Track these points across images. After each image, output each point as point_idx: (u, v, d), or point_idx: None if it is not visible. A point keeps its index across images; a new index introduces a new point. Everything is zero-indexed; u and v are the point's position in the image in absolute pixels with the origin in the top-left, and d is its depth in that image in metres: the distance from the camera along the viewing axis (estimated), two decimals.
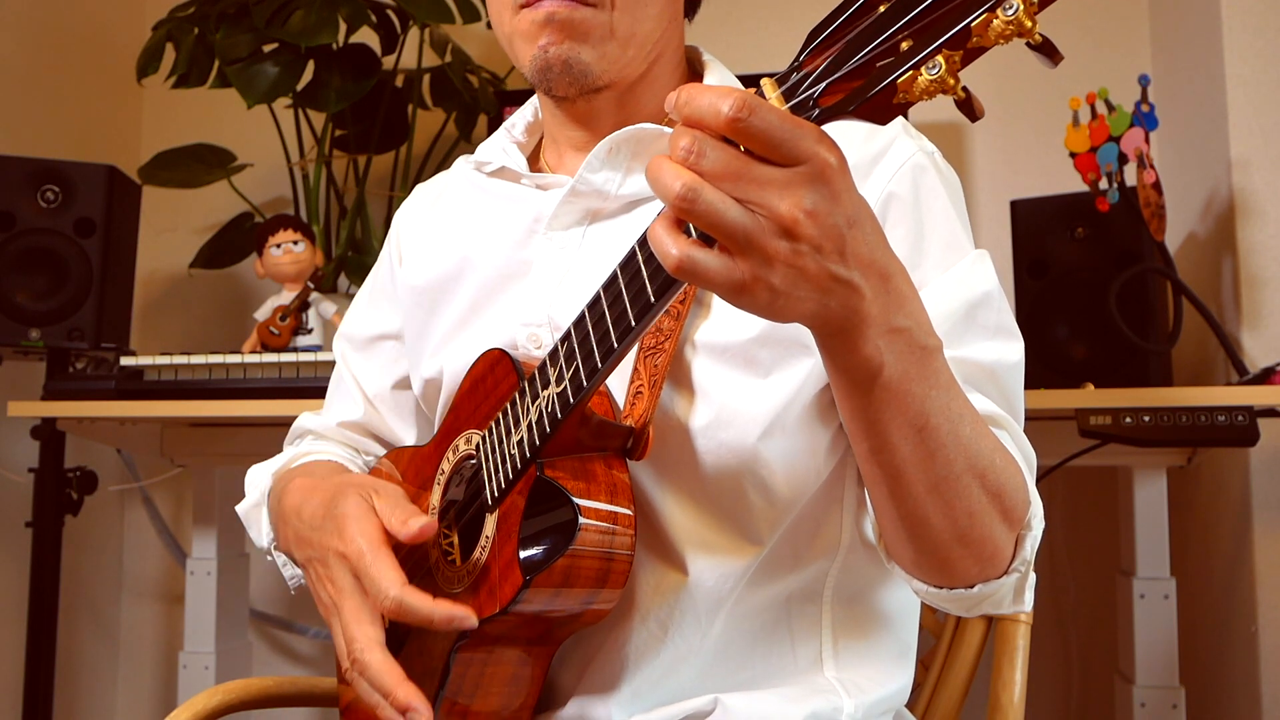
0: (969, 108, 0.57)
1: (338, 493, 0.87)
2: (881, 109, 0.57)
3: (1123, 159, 1.75)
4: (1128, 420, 1.58)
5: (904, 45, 0.55)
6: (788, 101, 0.59)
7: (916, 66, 0.55)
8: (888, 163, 0.88)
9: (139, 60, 2.22)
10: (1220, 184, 1.91)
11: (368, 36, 2.27)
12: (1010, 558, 0.80)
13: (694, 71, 1.03)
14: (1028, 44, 0.54)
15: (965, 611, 0.85)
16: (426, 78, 2.36)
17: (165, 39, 2.22)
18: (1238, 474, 1.83)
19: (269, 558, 1.08)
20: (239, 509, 1.12)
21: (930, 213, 0.88)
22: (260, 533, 1.08)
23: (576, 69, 0.91)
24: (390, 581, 0.78)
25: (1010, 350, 0.87)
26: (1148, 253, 1.78)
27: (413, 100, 2.34)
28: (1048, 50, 0.55)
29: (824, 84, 0.58)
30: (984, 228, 2.24)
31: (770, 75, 0.62)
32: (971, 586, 0.80)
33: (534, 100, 1.07)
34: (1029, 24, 0.52)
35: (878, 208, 0.87)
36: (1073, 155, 1.81)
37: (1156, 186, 1.74)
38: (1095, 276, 1.81)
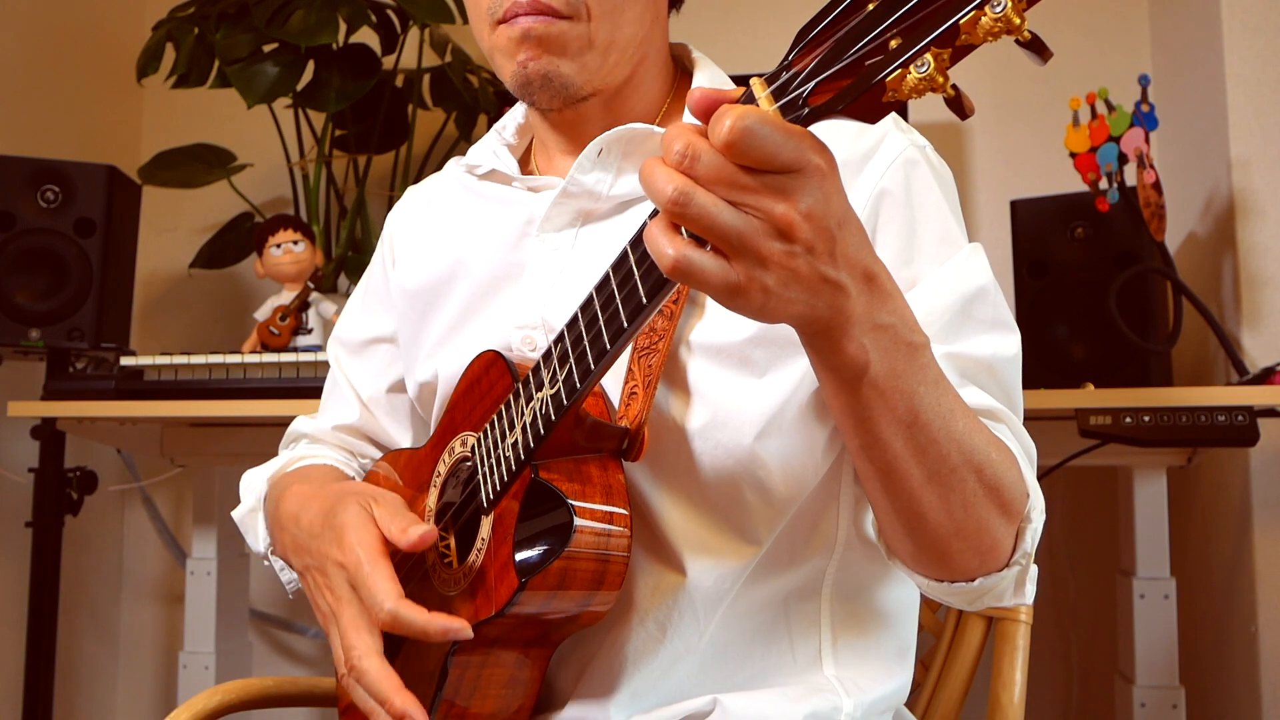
0: (959, 105, 0.56)
1: (337, 502, 0.87)
2: (871, 108, 0.56)
3: (1123, 159, 1.75)
4: (1128, 420, 1.58)
5: (893, 43, 0.55)
6: (777, 101, 0.59)
7: (905, 64, 0.54)
8: (879, 159, 0.88)
9: (139, 60, 2.22)
10: (1220, 184, 1.91)
11: (368, 36, 2.27)
12: (1010, 550, 0.80)
13: (682, 69, 1.02)
14: (1016, 41, 0.54)
15: (967, 605, 0.85)
16: (426, 78, 2.36)
17: (165, 39, 2.22)
18: (1238, 474, 1.82)
19: (266, 563, 1.08)
20: (235, 515, 1.11)
21: (923, 208, 0.88)
22: (257, 538, 1.08)
23: (557, 83, 0.91)
24: (385, 594, 0.78)
25: (1007, 344, 0.87)
26: (1148, 253, 1.78)
27: (413, 100, 2.34)
28: (1037, 47, 0.54)
29: (813, 83, 0.57)
30: (984, 228, 2.24)
31: (761, 75, 0.61)
32: (972, 580, 0.80)
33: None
34: (1017, 21, 0.52)
35: (870, 204, 0.86)
36: (1073, 155, 1.81)
37: (1156, 186, 1.73)
38: (1095, 276, 1.81)
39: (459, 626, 0.77)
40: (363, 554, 0.81)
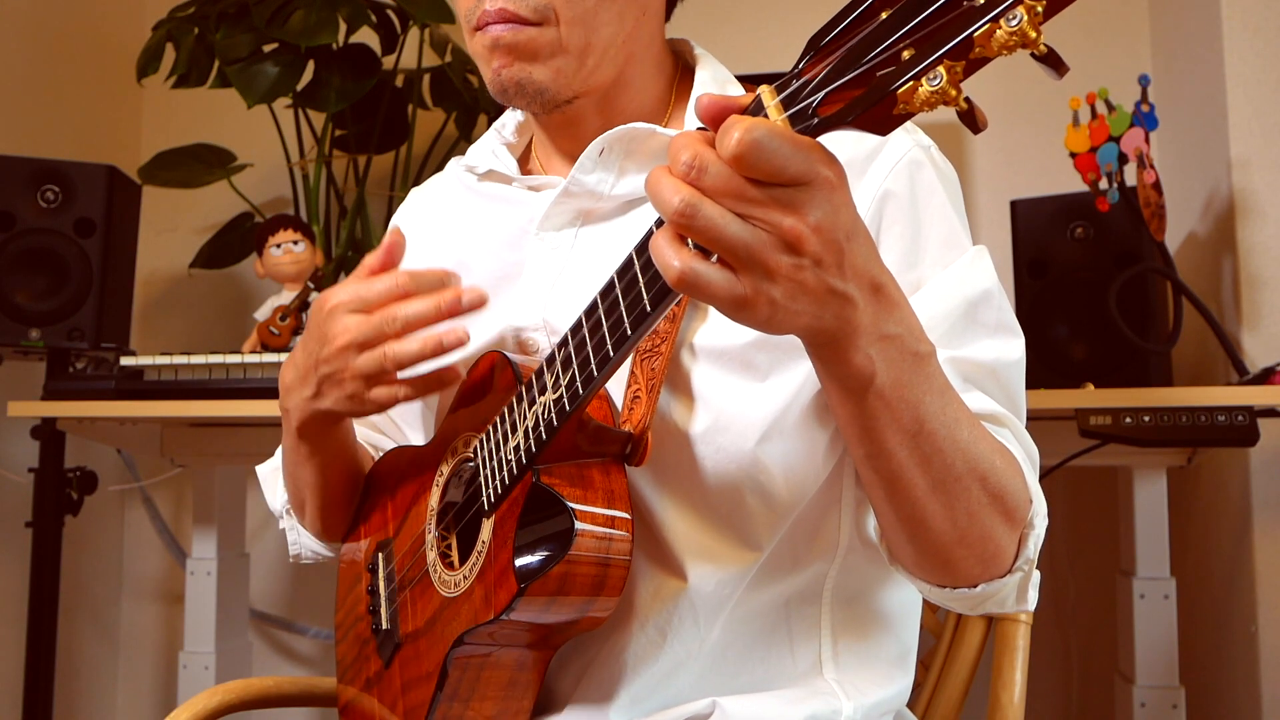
0: (971, 119, 0.55)
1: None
2: (881, 120, 0.55)
3: (1123, 159, 1.75)
4: (1128, 420, 1.58)
5: (905, 54, 0.54)
6: (786, 110, 0.58)
7: (917, 77, 0.53)
8: (883, 159, 0.87)
9: (139, 60, 2.22)
10: (1220, 184, 1.91)
11: (368, 36, 2.27)
12: (1013, 557, 0.80)
13: (684, 65, 1.01)
14: (1032, 55, 0.52)
15: (970, 610, 0.85)
16: (426, 78, 2.36)
17: (165, 39, 2.22)
18: (1238, 474, 1.82)
19: (281, 526, 1.10)
20: (259, 469, 1.13)
21: (928, 210, 0.87)
22: (274, 494, 1.10)
23: (531, 89, 0.90)
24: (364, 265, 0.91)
25: (1011, 348, 0.86)
26: (1148, 253, 1.78)
27: (413, 100, 2.34)
28: (1053, 62, 0.53)
29: (823, 93, 0.56)
30: (984, 228, 2.24)
31: (769, 78, 0.61)
32: (975, 586, 0.80)
33: None
34: (1033, 35, 0.51)
35: (874, 205, 0.86)
36: (1073, 155, 1.81)
37: (1156, 186, 1.73)
38: (1095, 276, 1.81)
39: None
40: (333, 294, 0.90)
